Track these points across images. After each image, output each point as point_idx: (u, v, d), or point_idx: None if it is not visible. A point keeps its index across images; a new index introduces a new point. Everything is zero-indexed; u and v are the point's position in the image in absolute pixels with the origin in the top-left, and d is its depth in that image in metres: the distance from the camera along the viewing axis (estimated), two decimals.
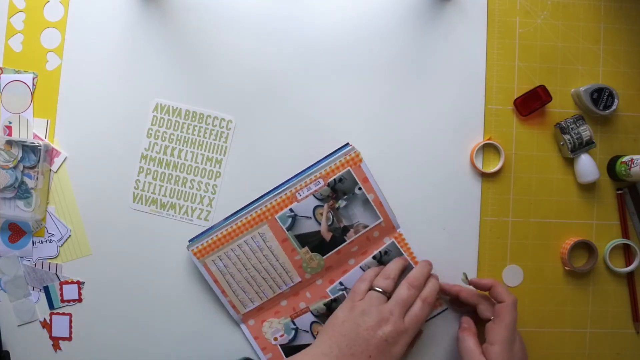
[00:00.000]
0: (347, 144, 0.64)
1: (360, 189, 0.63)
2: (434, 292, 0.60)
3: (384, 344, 0.55)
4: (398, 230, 0.65)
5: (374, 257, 0.64)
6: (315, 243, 0.64)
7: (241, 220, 0.63)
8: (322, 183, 0.63)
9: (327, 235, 0.64)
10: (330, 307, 0.64)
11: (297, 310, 0.64)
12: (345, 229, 0.64)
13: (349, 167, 0.63)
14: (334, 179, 0.63)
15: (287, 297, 0.65)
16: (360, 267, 0.64)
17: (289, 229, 0.63)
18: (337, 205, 0.63)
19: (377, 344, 0.55)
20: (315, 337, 0.64)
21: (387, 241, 0.64)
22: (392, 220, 0.64)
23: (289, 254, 0.63)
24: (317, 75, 0.66)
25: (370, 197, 0.63)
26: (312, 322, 0.64)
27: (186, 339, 0.65)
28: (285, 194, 0.63)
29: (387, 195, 0.64)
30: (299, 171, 0.64)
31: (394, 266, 0.62)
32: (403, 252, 0.64)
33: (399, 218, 0.64)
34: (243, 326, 0.65)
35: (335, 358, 0.55)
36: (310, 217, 0.63)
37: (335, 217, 0.63)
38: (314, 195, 0.63)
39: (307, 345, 0.60)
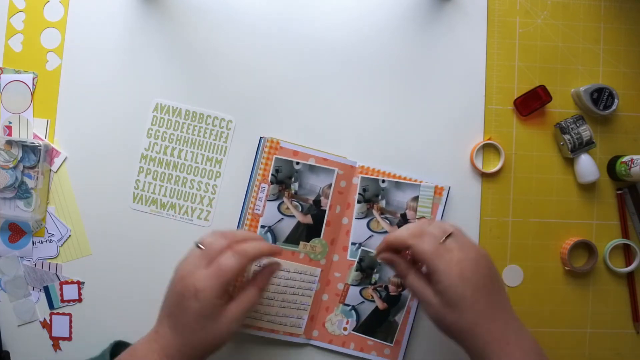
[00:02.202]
0: (261, 137, 0.63)
1: (297, 163, 0.63)
2: (252, 247, 0.53)
3: (179, 297, 0.50)
4: (358, 165, 0.64)
5: (358, 202, 0.64)
6: (304, 233, 0.63)
7: None
8: (267, 185, 0.63)
9: (308, 220, 0.63)
10: (362, 269, 0.64)
11: (340, 293, 0.64)
12: (317, 202, 0.64)
13: (274, 155, 0.63)
14: (272, 174, 0.63)
15: (324, 290, 0.64)
16: (356, 218, 0.64)
17: (275, 241, 0.63)
18: (293, 191, 0.63)
19: (176, 299, 0.50)
20: (371, 301, 0.64)
21: (357, 181, 0.64)
22: (346, 163, 0.64)
23: (292, 259, 0.63)
24: (317, 76, 0.66)
25: (311, 161, 0.63)
26: (361, 290, 0.64)
27: None
28: (247, 218, 0.63)
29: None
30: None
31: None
32: (376, 178, 0.64)
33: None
34: (313, 342, 0.64)
35: (165, 330, 0.50)
36: (282, 218, 0.63)
37: (300, 200, 0.63)
38: (269, 200, 0.63)
39: (376, 315, 0.64)
